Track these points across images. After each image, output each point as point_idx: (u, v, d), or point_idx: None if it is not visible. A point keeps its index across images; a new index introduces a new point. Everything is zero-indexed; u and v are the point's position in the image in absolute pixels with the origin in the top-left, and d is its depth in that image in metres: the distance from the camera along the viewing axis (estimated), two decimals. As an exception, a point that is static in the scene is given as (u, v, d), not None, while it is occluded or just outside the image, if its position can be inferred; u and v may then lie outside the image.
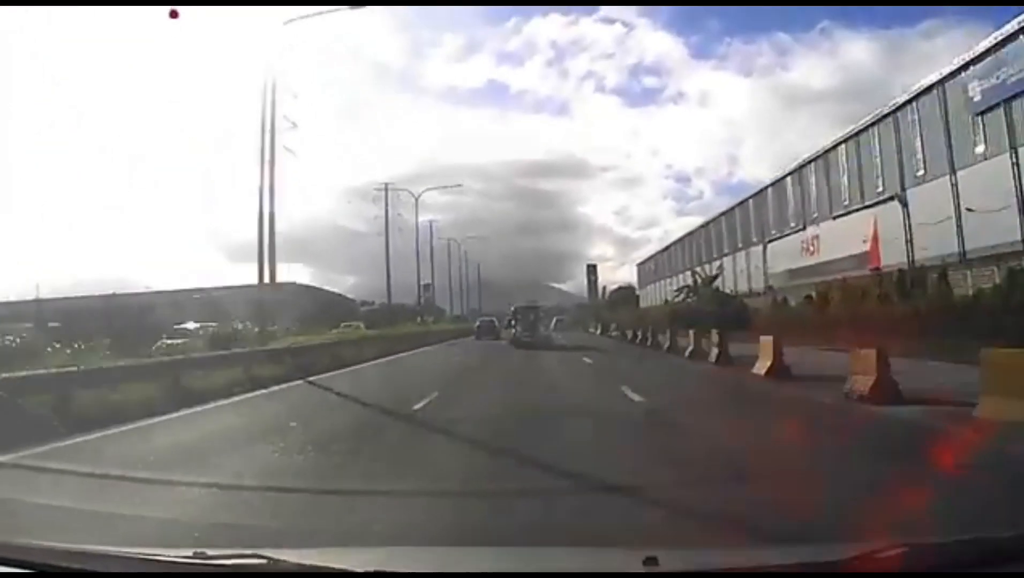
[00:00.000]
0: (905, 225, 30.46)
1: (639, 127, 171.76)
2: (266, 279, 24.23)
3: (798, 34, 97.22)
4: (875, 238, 32.60)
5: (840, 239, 35.66)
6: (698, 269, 48.26)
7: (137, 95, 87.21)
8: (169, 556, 2.19)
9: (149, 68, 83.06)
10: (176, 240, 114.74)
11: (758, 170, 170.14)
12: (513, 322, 37.81)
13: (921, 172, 29.61)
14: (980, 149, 25.81)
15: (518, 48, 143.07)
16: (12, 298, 41.64)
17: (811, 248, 39.86)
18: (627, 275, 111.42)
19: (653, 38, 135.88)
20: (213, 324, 28.98)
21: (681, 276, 60.58)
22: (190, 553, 2.15)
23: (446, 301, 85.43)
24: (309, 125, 46.84)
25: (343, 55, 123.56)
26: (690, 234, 66.07)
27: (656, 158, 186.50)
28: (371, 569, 2.08)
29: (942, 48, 77.50)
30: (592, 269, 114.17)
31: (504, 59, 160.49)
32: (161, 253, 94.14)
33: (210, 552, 2.17)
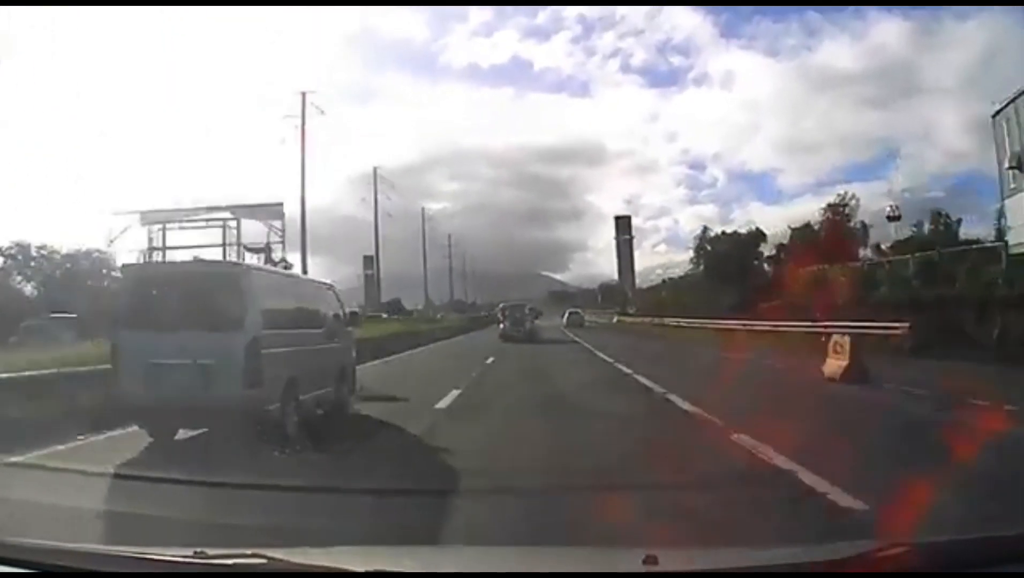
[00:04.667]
0: None
1: (659, 110, 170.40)
2: None
3: (830, 13, 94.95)
4: None
5: None
6: None
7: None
8: (169, 555, 2.17)
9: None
10: None
11: (775, 158, 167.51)
12: (501, 318, 39.23)
13: None
14: None
15: (545, 22, 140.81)
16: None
17: None
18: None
19: (684, 14, 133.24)
20: None
21: None
22: (190, 552, 2.13)
23: (428, 292, 76.87)
24: (318, 109, 39.60)
25: (362, 35, 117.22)
26: None
27: (673, 143, 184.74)
28: (371, 569, 2.07)
29: (973, 30, 76.20)
30: (624, 222, 76.48)
31: (530, 34, 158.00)
32: None
33: (210, 551, 2.15)
